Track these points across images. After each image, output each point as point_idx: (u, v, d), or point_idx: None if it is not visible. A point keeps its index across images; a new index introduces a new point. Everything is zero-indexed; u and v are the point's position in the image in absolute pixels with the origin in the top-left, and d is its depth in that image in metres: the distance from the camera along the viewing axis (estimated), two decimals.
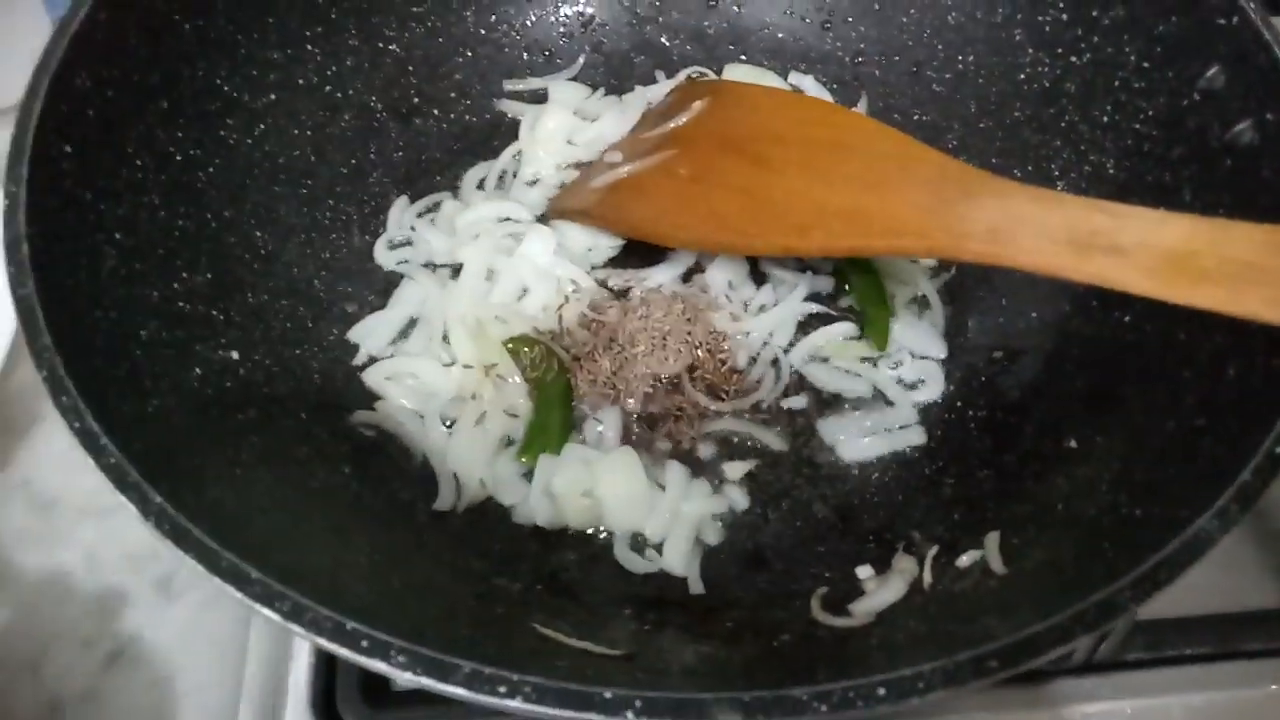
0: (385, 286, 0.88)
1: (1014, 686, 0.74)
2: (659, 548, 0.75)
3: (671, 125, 0.90)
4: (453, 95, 0.97)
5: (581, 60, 1.01)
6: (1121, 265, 0.58)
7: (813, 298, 0.88)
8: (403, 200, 0.92)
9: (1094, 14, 0.77)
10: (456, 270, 0.89)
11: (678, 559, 0.74)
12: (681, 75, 1.00)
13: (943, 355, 0.84)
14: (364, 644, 0.46)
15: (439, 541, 0.73)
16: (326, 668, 0.75)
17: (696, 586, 0.73)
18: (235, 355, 0.73)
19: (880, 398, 0.83)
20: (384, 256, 0.90)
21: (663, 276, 0.89)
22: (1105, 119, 0.77)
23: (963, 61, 0.89)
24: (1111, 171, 0.77)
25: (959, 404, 0.82)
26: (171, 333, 0.69)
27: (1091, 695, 0.74)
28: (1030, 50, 0.83)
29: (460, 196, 0.94)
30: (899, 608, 0.65)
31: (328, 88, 0.89)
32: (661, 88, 0.99)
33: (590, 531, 0.77)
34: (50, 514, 0.85)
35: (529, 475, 0.78)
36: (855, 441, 0.81)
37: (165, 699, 0.77)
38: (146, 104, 0.73)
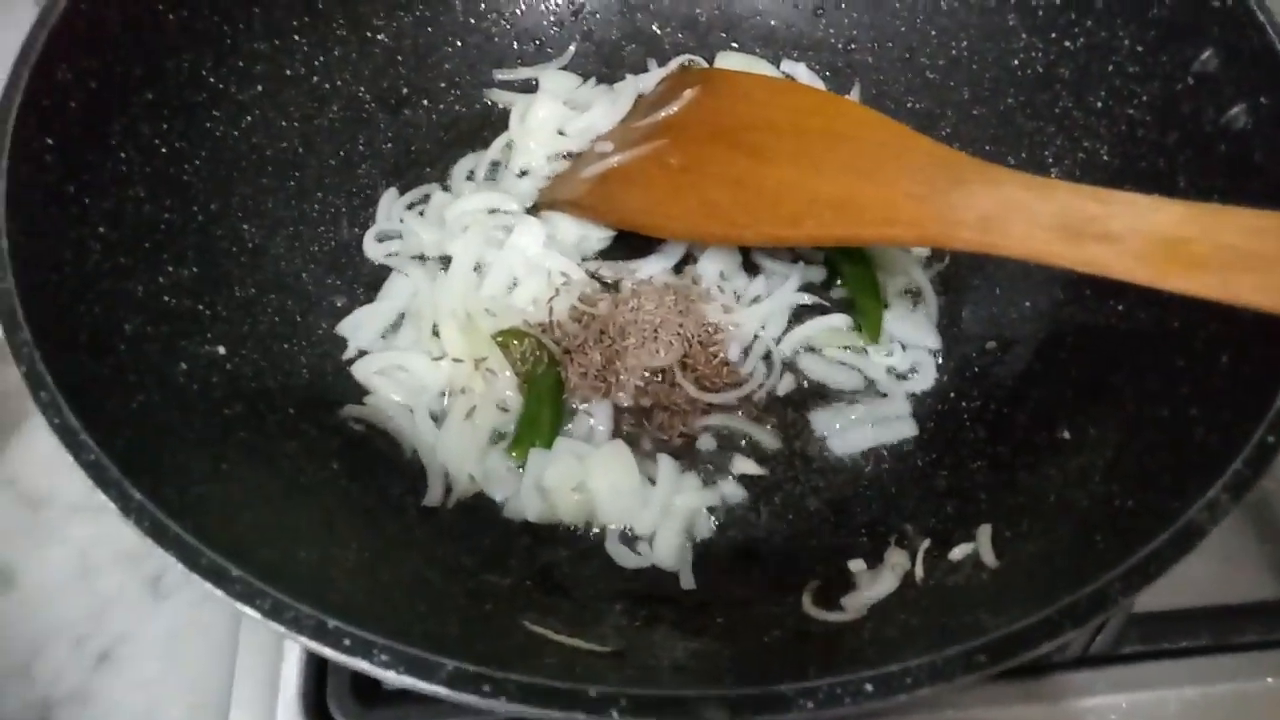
0: (374, 280, 0.88)
1: (1009, 680, 0.73)
2: (651, 542, 0.75)
3: (663, 114, 0.90)
4: (442, 85, 0.96)
5: (572, 49, 1.00)
6: (1114, 252, 0.57)
7: (805, 288, 0.87)
8: (392, 192, 0.92)
9: None
10: (446, 263, 0.88)
11: (669, 553, 0.74)
12: (673, 63, 0.99)
13: (936, 346, 0.84)
14: (346, 642, 0.46)
15: (428, 537, 0.73)
16: (317, 667, 0.74)
17: (688, 581, 0.72)
18: (222, 350, 0.73)
19: (872, 389, 0.83)
20: (373, 249, 0.89)
21: (654, 268, 0.88)
22: (1099, 104, 0.76)
23: (956, 48, 0.88)
24: (1106, 158, 0.76)
25: (952, 395, 0.81)
26: (156, 328, 0.68)
27: (1087, 689, 0.73)
28: (1024, 35, 0.82)
29: (450, 188, 0.94)
30: (891, 602, 0.65)
31: (315, 78, 0.88)
32: (653, 76, 0.98)
33: (581, 527, 0.76)
34: (40, 512, 0.85)
35: (520, 470, 0.77)
36: (847, 434, 0.80)
37: (156, 699, 0.77)
38: (130, 96, 0.72)
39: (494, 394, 0.81)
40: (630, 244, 0.89)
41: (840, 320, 0.85)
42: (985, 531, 0.65)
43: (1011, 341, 0.80)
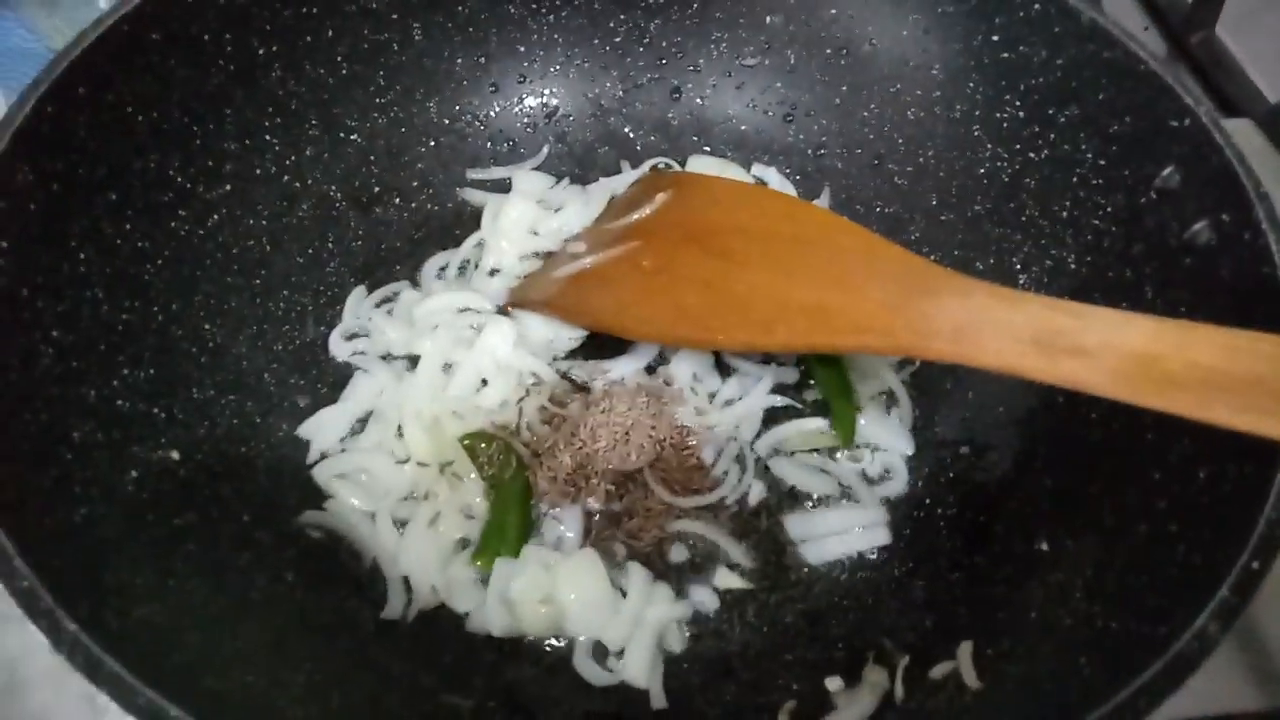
0: (339, 380, 0.86)
1: None
2: (621, 656, 0.72)
3: (635, 216, 0.90)
4: (414, 184, 0.96)
5: (545, 150, 1.00)
6: (1087, 367, 0.57)
7: (777, 390, 0.86)
8: (360, 290, 0.90)
9: (1050, 112, 0.78)
10: (413, 362, 0.86)
11: (639, 670, 0.71)
12: (645, 166, 1.00)
13: (910, 451, 0.83)
14: None
15: (386, 654, 0.69)
16: None
17: (659, 701, 0.69)
18: (176, 455, 0.70)
19: (846, 494, 0.81)
20: (339, 348, 0.87)
21: (626, 369, 0.87)
22: (1065, 214, 0.77)
23: (923, 155, 0.90)
24: (1073, 266, 0.77)
25: (927, 501, 0.80)
26: (107, 434, 0.66)
27: None
28: (989, 145, 0.84)
29: (420, 286, 0.93)
30: None
31: (286, 177, 0.88)
32: (626, 178, 0.99)
33: (548, 641, 0.73)
34: None
35: (485, 580, 0.74)
36: (821, 541, 0.78)
37: None
38: (93, 196, 0.71)
39: (459, 499, 0.78)
40: (601, 345, 0.88)
41: (815, 424, 0.84)
42: (966, 649, 0.63)
43: (986, 447, 0.79)
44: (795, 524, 0.79)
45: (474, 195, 0.98)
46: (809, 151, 0.98)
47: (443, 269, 0.94)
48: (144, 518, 0.64)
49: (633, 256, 0.86)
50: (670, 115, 1.01)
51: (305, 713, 0.57)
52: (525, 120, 1.01)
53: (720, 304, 0.78)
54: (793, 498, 0.81)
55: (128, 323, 0.72)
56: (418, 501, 0.79)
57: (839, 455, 0.83)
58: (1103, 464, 0.68)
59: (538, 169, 1.00)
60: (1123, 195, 0.73)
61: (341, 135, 0.92)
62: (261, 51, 0.83)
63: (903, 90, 0.90)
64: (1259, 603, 0.54)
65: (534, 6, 0.96)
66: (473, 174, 0.99)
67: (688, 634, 0.74)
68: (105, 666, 0.46)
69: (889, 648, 0.69)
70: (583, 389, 0.86)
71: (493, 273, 0.94)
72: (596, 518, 0.79)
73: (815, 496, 0.81)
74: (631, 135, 1.01)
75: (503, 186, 0.98)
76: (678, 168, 1.00)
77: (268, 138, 0.86)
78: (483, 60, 0.97)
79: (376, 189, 0.94)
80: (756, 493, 0.81)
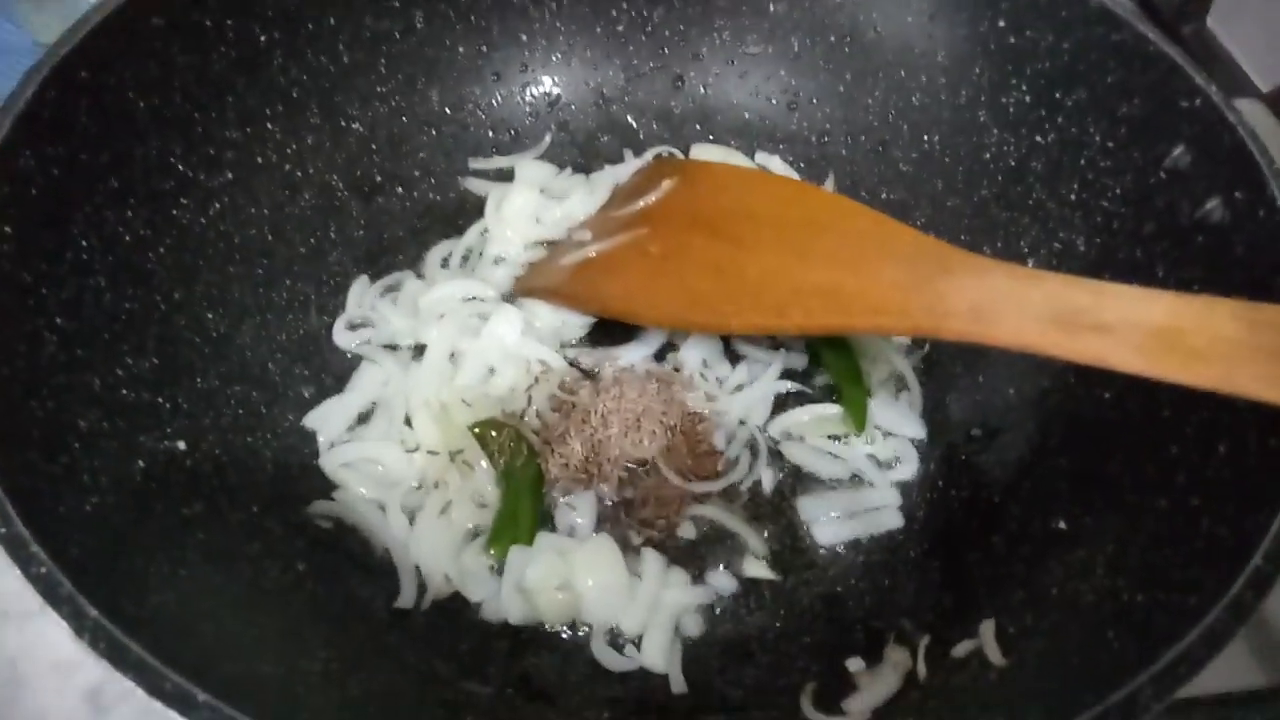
0: (343, 370, 0.84)
1: None
2: (638, 642, 0.71)
3: (641, 203, 0.89)
4: (417, 173, 0.95)
5: (548, 139, 1.00)
6: (1109, 343, 0.57)
7: (787, 375, 0.86)
8: (363, 279, 0.89)
9: (1057, 95, 0.78)
10: (419, 351, 0.85)
11: (658, 654, 0.70)
12: (649, 154, 0.99)
13: (921, 435, 0.83)
14: None
15: (401, 643, 0.68)
16: None
17: (679, 685, 0.69)
18: (182, 445, 0.69)
19: (858, 478, 0.81)
20: (343, 337, 0.86)
21: (635, 355, 0.86)
22: (1073, 197, 0.78)
23: (928, 141, 0.90)
24: (1082, 248, 0.77)
25: (940, 483, 0.80)
26: (114, 423, 0.64)
27: None
28: (995, 130, 0.84)
29: (424, 275, 0.92)
30: (896, 704, 0.62)
31: (287, 166, 0.86)
32: (629, 166, 0.98)
33: (565, 628, 0.72)
34: None
35: (499, 569, 0.73)
36: (834, 524, 0.78)
37: None
38: (95, 183, 0.69)
39: (470, 488, 0.78)
40: (609, 331, 0.88)
41: (828, 409, 0.84)
42: (989, 627, 0.63)
43: (998, 430, 0.80)
44: (808, 506, 0.79)
45: (477, 184, 0.97)
46: (813, 139, 0.98)
47: (446, 258, 0.93)
48: (153, 508, 0.63)
49: (640, 243, 0.86)
50: (673, 103, 1.01)
51: (325, 700, 0.56)
52: (527, 109, 1.00)
53: (732, 288, 0.78)
54: (805, 481, 0.81)
55: (130, 311, 0.70)
56: (428, 490, 0.78)
57: (850, 439, 0.83)
58: (1119, 442, 0.68)
59: (540, 158, 0.99)
60: (1132, 176, 0.73)
61: (343, 124, 0.90)
62: (263, 39, 0.82)
63: (907, 77, 0.90)
64: None
65: None
66: (475, 163, 0.98)
67: (704, 619, 0.74)
68: (130, 652, 0.45)
69: (909, 628, 0.68)
70: (591, 376, 0.85)
71: (497, 261, 0.93)
72: (609, 504, 0.79)
73: (827, 480, 0.81)
74: (634, 124, 1.01)
75: (505, 175, 0.98)
76: (681, 156, 0.99)
77: (269, 126, 0.84)
78: (485, 49, 0.96)
79: (378, 178, 0.93)
80: (769, 478, 0.81)
